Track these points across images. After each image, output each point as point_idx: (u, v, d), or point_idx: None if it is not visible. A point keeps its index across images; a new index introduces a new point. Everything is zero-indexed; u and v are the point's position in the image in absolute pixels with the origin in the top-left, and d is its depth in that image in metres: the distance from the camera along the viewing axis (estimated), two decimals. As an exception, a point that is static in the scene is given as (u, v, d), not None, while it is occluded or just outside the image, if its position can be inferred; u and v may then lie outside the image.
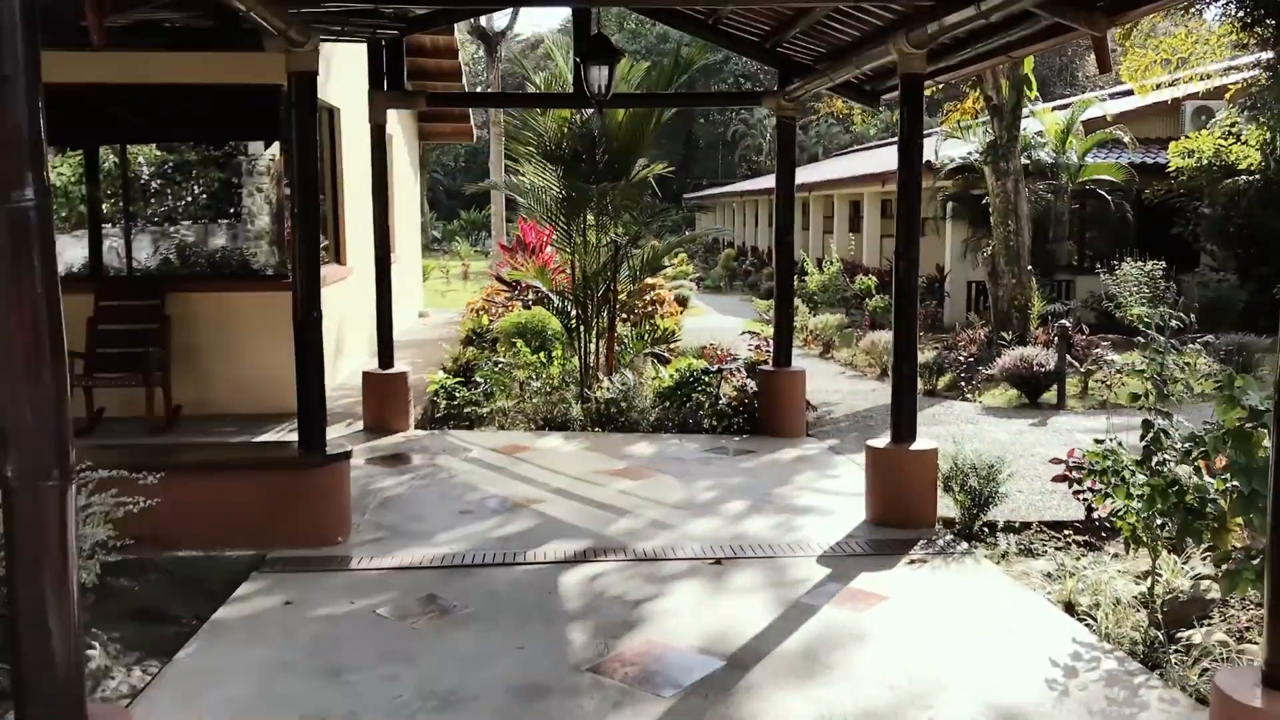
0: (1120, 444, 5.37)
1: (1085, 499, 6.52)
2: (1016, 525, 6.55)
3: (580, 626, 4.90)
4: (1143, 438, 5.11)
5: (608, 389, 9.59)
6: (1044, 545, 6.32)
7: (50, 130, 3.16)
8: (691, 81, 60.55)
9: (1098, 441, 5.40)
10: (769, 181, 37.40)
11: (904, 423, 6.45)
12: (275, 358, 9.60)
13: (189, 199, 10.11)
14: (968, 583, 5.59)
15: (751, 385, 9.81)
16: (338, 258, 11.92)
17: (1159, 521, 5.03)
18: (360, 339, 12.32)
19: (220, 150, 10.01)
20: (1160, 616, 4.91)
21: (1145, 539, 5.06)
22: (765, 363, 10.07)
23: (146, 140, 10.18)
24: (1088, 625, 5.00)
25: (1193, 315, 10.52)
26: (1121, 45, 16.97)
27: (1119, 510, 5.23)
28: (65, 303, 8.30)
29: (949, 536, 6.26)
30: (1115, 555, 6.15)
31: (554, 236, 11.32)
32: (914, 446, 6.43)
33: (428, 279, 29.80)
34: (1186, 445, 4.95)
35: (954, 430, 9.59)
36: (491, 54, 29.01)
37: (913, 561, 5.86)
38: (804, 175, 31.83)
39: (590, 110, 10.56)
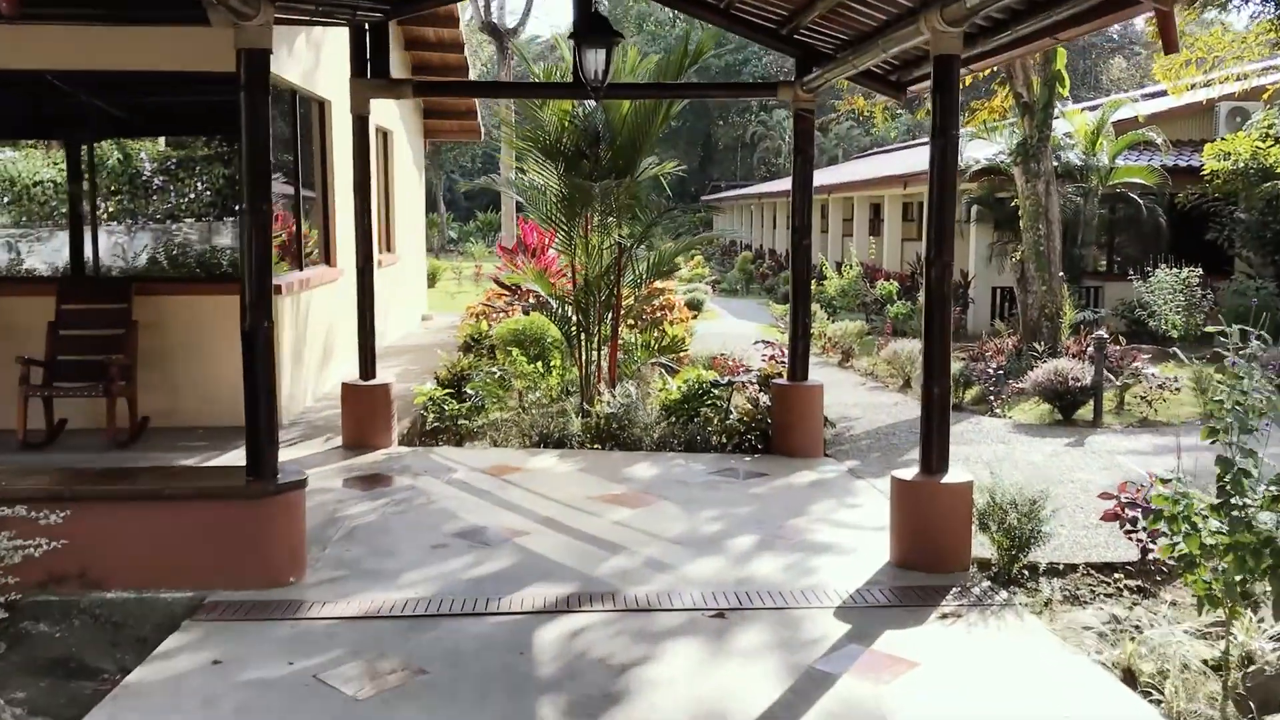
0: (1180, 478, 4.60)
1: (1140, 540, 5.77)
2: (1060, 568, 5.78)
3: (551, 701, 4.14)
4: (1220, 479, 4.33)
5: (609, 403, 8.85)
6: (1091, 590, 5.56)
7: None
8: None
9: (1163, 481, 4.62)
10: (787, 183, 36.63)
11: (935, 451, 5.68)
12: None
13: (162, 195, 9.42)
14: (1010, 644, 4.81)
15: (765, 399, 9.06)
16: (327, 259, 11.21)
17: (1238, 577, 4.26)
18: (353, 344, 11.58)
19: (199, 144, 9.32)
20: (1243, 692, 4.14)
21: (1223, 600, 4.28)
22: (780, 375, 9.30)
23: (115, 134, 9.52)
24: (1153, 700, 4.24)
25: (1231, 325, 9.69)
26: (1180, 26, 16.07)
27: (1185, 557, 4.45)
28: (23, 305, 7.60)
29: (985, 584, 5.48)
30: (1173, 604, 5.38)
31: (556, 238, 10.59)
32: (947, 479, 5.66)
33: (439, 281, 29.19)
34: (1274, 490, 4.17)
35: (984, 451, 8.81)
36: (503, 51, 28.33)
37: (945, 615, 5.08)
38: (823, 177, 30.99)
39: (594, 103, 9.85)
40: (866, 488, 7.57)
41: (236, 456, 8.06)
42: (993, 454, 8.84)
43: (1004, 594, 5.35)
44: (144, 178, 9.46)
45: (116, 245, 9.24)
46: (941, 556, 5.58)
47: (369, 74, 8.36)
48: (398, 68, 16.92)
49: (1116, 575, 5.73)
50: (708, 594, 5.30)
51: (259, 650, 4.61)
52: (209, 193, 9.28)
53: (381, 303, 14.31)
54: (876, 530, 6.37)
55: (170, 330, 8.94)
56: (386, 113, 14.85)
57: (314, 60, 10.30)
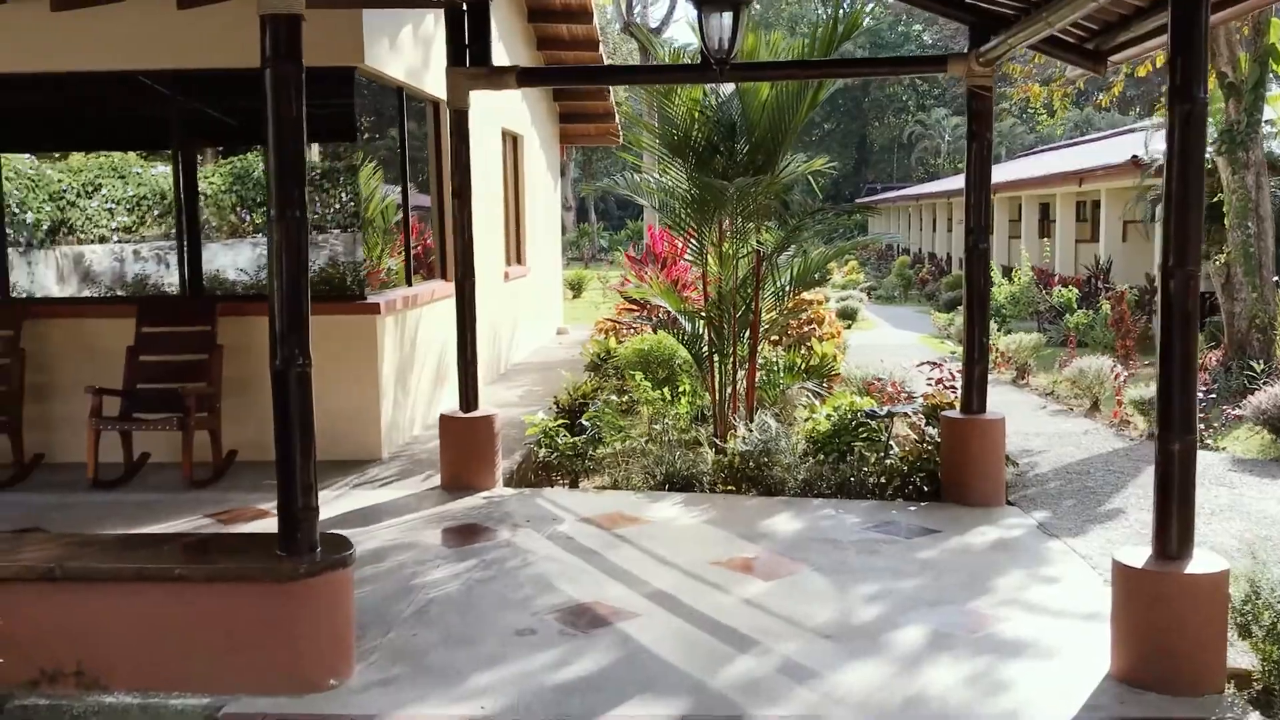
0: None
1: None
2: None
3: None
4: None
5: (744, 438, 7.55)
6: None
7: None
8: (865, 83, 57.68)
9: None
10: (948, 184, 34.60)
11: (1176, 530, 4.18)
12: (352, 391, 7.99)
13: (256, 205, 8.57)
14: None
15: (932, 433, 7.63)
16: (443, 273, 10.25)
17: None
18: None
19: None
20: None
21: None
22: (951, 405, 7.85)
23: (212, 142, 8.74)
24: None
25: None
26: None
27: None
28: (102, 328, 6.72)
29: (1251, 716, 3.98)
30: None
31: (686, 246, 9.37)
32: (1192, 567, 4.17)
33: (584, 291, 28.33)
34: None
35: (1203, 497, 7.16)
36: (645, 55, 27.37)
37: (1202, 770, 3.63)
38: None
39: (729, 89, 8.59)
40: (1063, 551, 6.07)
41: (320, 500, 7.10)
42: (1215, 502, 7.19)
43: (1280, 733, 3.85)
44: (241, 186, 8.63)
45: (210, 262, 8.41)
46: (1185, 674, 4.10)
47: (468, 62, 7.30)
48: (541, 94, 16.05)
49: None
50: (863, 722, 3.97)
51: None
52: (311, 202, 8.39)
53: (509, 319, 13.42)
54: (1085, 620, 4.91)
55: (259, 354, 8.07)
56: (517, 116, 13.91)
57: (422, 57, 9.34)
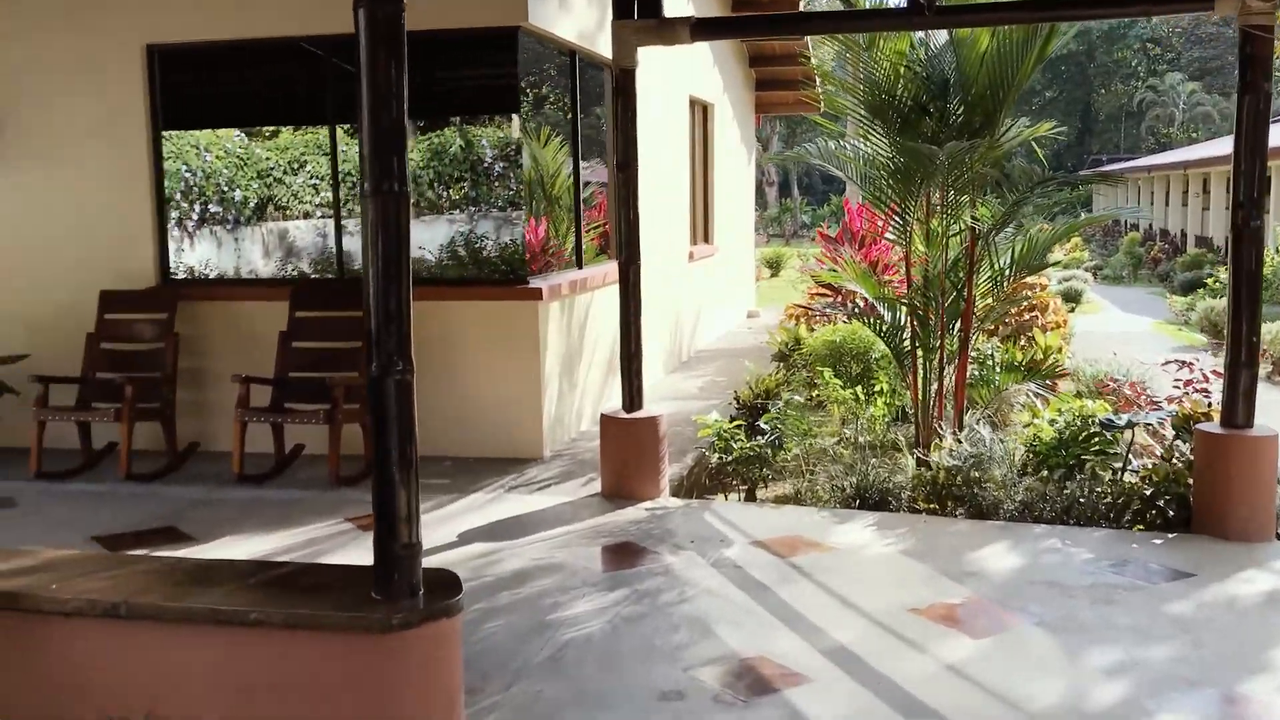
0: None
1: None
2: None
3: None
4: None
5: (951, 450, 6.46)
6: None
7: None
8: (1090, 47, 54.05)
9: None
10: (1184, 154, 31.62)
11: None
12: (511, 384, 7.35)
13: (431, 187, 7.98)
14: None
15: (1182, 448, 6.35)
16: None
17: None
18: (651, 351, 9.74)
19: (448, 123, 7.79)
20: None
21: None
22: (1207, 415, 6.52)
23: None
24: None
25: None
26: None
27: None
28: (258, 311, 6.17)
29: None
30: None
31: (888, 223, 8.26)
32: None
33: (783, 269, 27.26)
34: None
35: None
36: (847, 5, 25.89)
37: None
38: (1215, 148, 26.07)
39: (941, 40, 7.44)
40: (1367, 613, 4.77)
41: (471, 505, 6.47)
42: None
43: None
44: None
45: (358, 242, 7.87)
46: None
47: (635, 14, 6.45)
48: (735, 61, 15.05)
49: None
50: None
51: None
52: (465, 180, 7.73)
53: (694, 302, 12.56)
54: None
55: (421, 341, 7.47)
56: (707, 83, 13.01)
57: (598, 17, 8.57)
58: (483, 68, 7.67)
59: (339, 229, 7.79)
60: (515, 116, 7.49)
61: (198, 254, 7.99)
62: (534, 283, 7.44)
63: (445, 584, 3.70)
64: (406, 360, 3.60)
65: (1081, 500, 6.20)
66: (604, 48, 8.58)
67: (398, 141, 3.53)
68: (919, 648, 4.41)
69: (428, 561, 5.31)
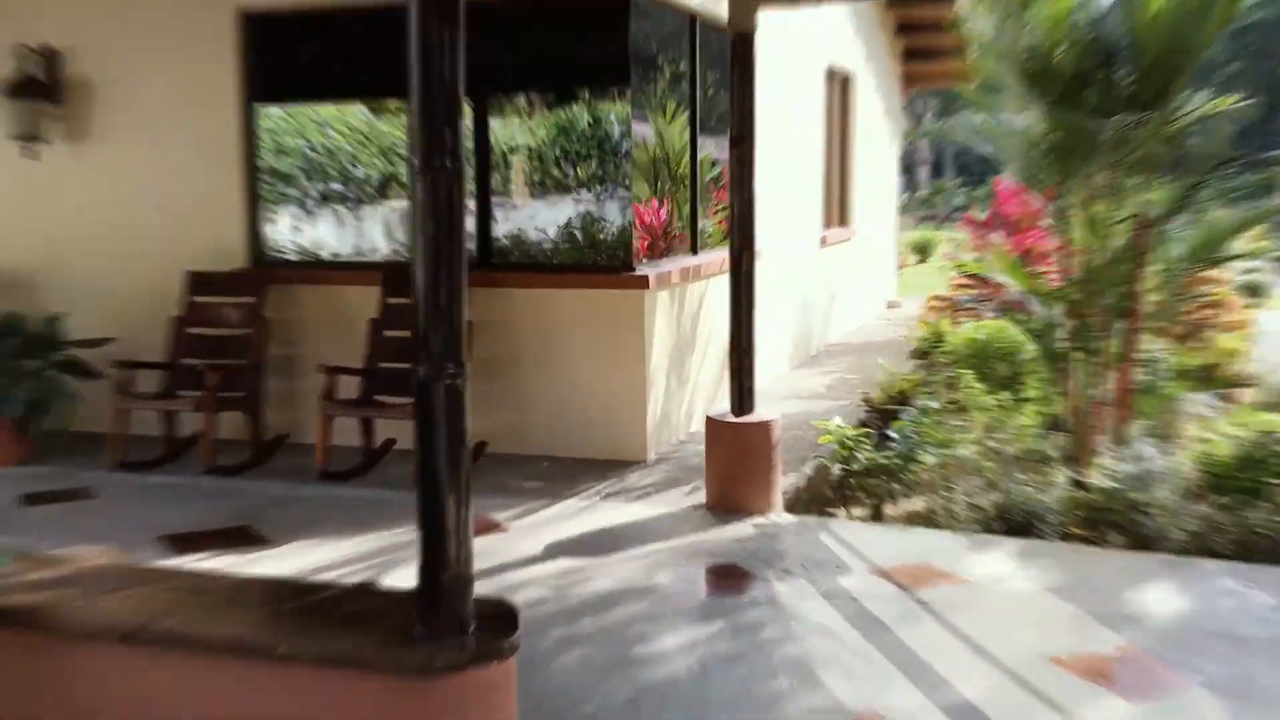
0: None
1: None
2: None
3: None
4: None
5: (1113, 471, 5.60)
6: None
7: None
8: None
9: None
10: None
11: None
12: (613, 380, 6.80)
13: (522, 164, 7.46)
14: None
15: (1392, 476, 5.36)
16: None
17: None
18: (773, 344, 9.05)
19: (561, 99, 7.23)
20: None
21: None
22: None
23: (493, 89, 7.66)
24: None
25: None
26: None
27: None
28: (352, 296, 5.65)
29: None
30: None
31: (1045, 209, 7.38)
32: None
33: (931, 256, 25.97)
34: None
35: None
36: None
37: None
38: None
39: (1106, 1, 6.54)
40: None
41: (563, 512, 5.94)
42: None
43: None
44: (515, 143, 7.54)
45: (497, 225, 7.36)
46: None
47: (756, -28, 5.78)
48: (880, 29, 14.10)
49: None
50: None
51: None
52: (566, 159, 7.18)
53: (826, 291, 11.78)
54: None
55: (519, 331, 7.01)
56: (848, 53, 12.16)
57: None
58: (591, 32, 7.08)
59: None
60: (623, 88, 6.89)
61: (305, 236, 7.64)
62: (640, 270, 6.85)
63: (499, 618, 3.17)
64: (458, 362, 3.07)
65: (1265, 532, 5.29)
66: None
67: (451, 110, 3.02)
68: (1059, 709, 3.66)
69: (510, 577, 4.74)
